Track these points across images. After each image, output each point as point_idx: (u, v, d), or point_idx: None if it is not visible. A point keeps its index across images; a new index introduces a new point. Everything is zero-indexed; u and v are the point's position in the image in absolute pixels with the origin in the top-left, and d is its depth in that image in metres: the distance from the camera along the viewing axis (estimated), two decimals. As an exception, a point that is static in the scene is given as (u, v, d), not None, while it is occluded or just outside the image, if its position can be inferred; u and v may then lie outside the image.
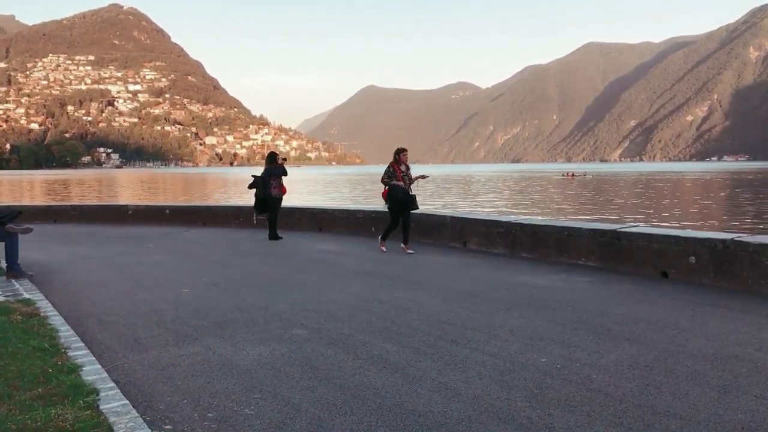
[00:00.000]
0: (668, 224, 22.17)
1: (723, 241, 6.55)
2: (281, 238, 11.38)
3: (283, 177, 11.75)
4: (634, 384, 3.64)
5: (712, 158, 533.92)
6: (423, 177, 10.02)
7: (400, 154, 9.71)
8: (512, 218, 10.03)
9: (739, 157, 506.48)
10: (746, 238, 6.57)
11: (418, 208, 9.67)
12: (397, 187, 9.41)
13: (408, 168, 9.76)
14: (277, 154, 12.06)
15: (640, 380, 3.70)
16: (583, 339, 4.59)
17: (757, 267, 6.20)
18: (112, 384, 3.56)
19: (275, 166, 11.62)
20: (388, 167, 9.70)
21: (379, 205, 10.88)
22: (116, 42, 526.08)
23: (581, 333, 4.76)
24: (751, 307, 5.58)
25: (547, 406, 3.33)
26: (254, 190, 11.72)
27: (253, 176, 11.86)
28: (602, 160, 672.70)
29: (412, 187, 9.69)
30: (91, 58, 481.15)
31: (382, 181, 9.60)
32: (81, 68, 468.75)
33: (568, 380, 3.71)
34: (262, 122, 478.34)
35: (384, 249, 9.55)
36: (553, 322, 5.08)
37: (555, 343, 4.48)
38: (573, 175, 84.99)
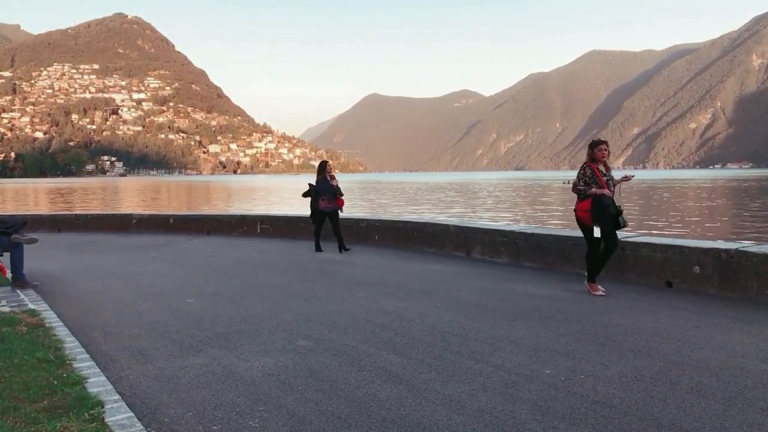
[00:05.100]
0: (672, 233, 22.13)
1: (727, 250, 6.53)
2: (322, 251, 10.61)
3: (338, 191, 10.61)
4: (638, 396, 3.63)
5: (716, 166, 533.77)
6: (626, 179, 7.01)
7: (595, 149, 6.64)
8: (516, 227, 10.01)
9: (743, 165, 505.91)
10: (750, 247, 6.56)
11: (626, 225, 6.57)
12: (606, 198, 6.46)
13: (609, 169, 6.80)
14: (327, 163, 10.95)
15: (645, 392, 3.69)
16: (588, 350, 4.58)
17: (762, 277, 6.19)
18: (117, 396, 3.57)
19: (324, 178, 10.58)
20: (583, 169, 6.65)
21: (381, 213, 10.72)
22: (121, 51, 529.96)
23: (585, 344, 4.75)
24: (756, 317, 5.56)
25: (552, 418, 3.32)
26: (309, 199, 10.85)
27: (309, 184, 10.87)
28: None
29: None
30: (96, 66, 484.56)
31: (574, 190, 6.72)
32: (86, 77, 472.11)
33: (573, 392, 3.71)
34: (266, 130, 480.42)
35: (601, 292, 6.61)
36: (557, 333, 5.07)
37: (559, 355, 4.47)
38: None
